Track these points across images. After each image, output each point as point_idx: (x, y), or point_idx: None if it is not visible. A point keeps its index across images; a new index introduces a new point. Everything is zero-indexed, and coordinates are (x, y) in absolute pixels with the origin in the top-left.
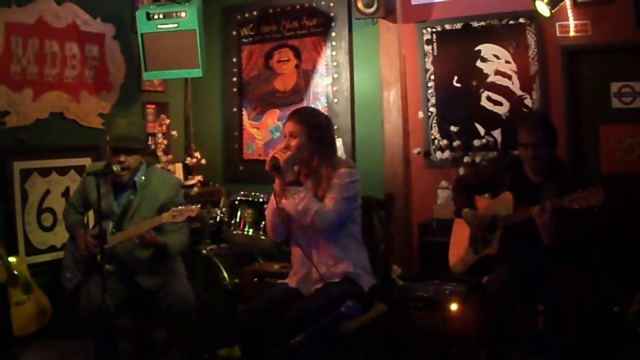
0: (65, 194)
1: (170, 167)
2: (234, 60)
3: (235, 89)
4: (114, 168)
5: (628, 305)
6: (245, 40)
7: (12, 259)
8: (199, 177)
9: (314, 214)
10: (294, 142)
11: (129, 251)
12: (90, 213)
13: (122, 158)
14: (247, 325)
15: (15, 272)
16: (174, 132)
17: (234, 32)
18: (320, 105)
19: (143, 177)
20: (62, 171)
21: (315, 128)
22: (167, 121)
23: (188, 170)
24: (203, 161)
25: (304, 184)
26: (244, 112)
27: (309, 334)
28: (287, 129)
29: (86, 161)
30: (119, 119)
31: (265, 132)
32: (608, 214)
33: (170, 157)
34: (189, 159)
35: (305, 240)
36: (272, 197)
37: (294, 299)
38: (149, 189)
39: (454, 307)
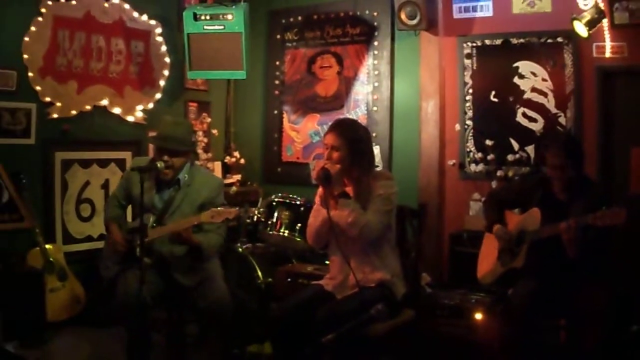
0: (105, 186)
1: (210, 165)
2: (277, 63)
3: (277, 92)
4: (158, 165)
5: None
6: (289, 45)
7: (48, 247)
8: (238, 177)
9: (362, 226)
10: (335, 155)
11: (167, 246)
12: (129, 208)
13: (165, 158)
14: (281, 322)
15: (52, 259)
16: (215, 131)
17: (278, 36)
18: (360, 113)
19: (186, 176)
20: (103, 163)
21: (356, 141)
22: (208, 120)
23: (227, 169)
24: (242, 161)
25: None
26: (285, 115)
27: (340, 334)
28: (329, 141)
29: (127, 155)
30: (166, 117)
31: (305, 136)
32: (637, 234)
33: (210, 155)
34: (228, 158)
35: (345, 247)
36: (318, 206)
37: (328, 300)
38: (192, 187)
39: (478, 316)
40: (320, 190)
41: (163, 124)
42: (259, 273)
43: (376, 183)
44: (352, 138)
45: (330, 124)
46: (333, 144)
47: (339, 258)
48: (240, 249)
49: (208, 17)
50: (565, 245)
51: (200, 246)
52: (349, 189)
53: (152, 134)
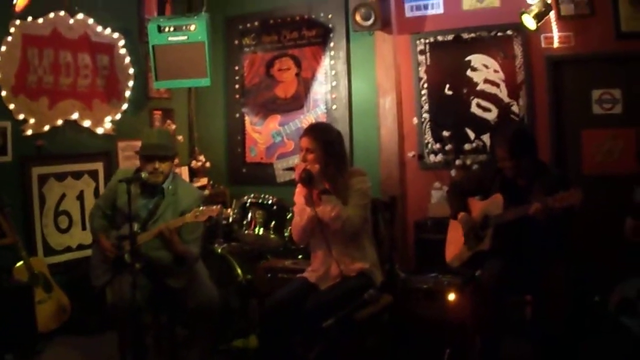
0: (80, 197)
1: (177, 170)
2: (236, 68)
3: (237, 96)
4: (143, 175)
5: (609, 295)
6: (247, 50)
7: (32, 260)
8: (204, 180)
9: (345, 220)
10: (310, 157)
11: (155, 252)
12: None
13: (156, 164)
14: (272, 315)
15: (36, 272)
16: (180, 137)
17: (236, 42)
18: (320, 112)
19: (170, 186)
20: (77, 176)
21: (329, 143)
22: (173, 126)
23: (193, 173)
24: (207, 164)
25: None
26: (246, 118)
27: (339, 318)
28: (303, 144)
29: (99, 166)
30: (148, 129)
31: (267, 137)
32: (590, 212)
33: (176, 161)
34: (194, 162)
35: (326, 241)
36: (301, 205)
37: (312, 291)
38: (175, 196)
39: (451, 297)
40: (300, 190)
41: (148, 135)
42: (239, 271)
43: (352, 180)
44: (325, 140)
45: (305, 127)
46: (307, 146)
47: (322, 251)
48: (218, 249)
49: (172, 29)
50: (531, 226)
51: (184, 252)
52: (327, 187)
53: (121, 143)
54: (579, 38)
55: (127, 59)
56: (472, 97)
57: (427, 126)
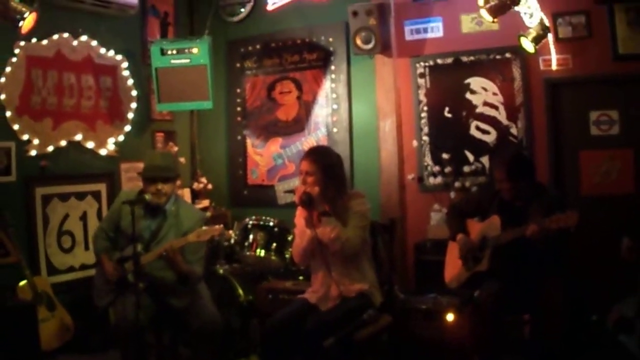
0: (83, 217)
1: (179, 192)
2: (238, 91)
3: (239, 118)
4: (146, 197)
5: (607, 314)
6: (249, 72)
7: (35, 279)
8: (206, 202)
9: (344, 241)
10: (310, 179)
11: (158, 272)
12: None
13: (159, 186)
14: (273, 334)
15: (40, 291)
16: (182, 159)
17: (238, 65)
18: (321, 134)
19: (173, 208)
20: (80, 196)
21: (329, 166)
22: (175, 148)
23: (195, 195)
24: (209, 186)
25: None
26: (248, 140)
27: (339, 338)
28: (303, 168)
29: (102, 187)
30: (151, 151)
31: (269, 159)
32: (588, 232)
33: (178, 183)
34: (196, 184)
35: (326, 262)
36: (301, 227)
37: (313, 312)
38: (177, 218)
39: (450, 317)
40: (300, 212)
41: (150, 156)
42: (240, 292)
43: (351, 202)
44: (325, 164)
45: (305, 151)
46: (307, 170)
47: (322, 272)
48: (220, 270)
49: (174, 52)
50: (528, 247)
51: (188, 272)
52: (327, 209)
53: (124, 165)
54: (577, 60)
55: (130, 81)
56: (471, 120)
57: (427, 149)
